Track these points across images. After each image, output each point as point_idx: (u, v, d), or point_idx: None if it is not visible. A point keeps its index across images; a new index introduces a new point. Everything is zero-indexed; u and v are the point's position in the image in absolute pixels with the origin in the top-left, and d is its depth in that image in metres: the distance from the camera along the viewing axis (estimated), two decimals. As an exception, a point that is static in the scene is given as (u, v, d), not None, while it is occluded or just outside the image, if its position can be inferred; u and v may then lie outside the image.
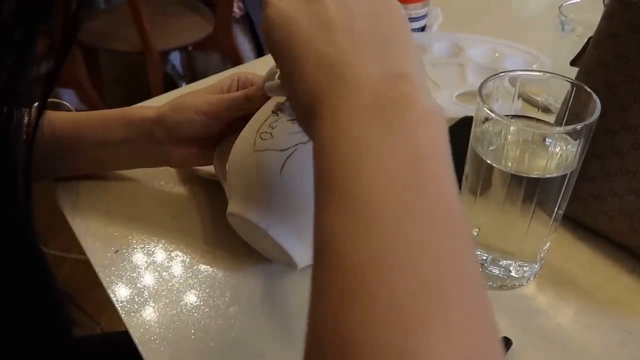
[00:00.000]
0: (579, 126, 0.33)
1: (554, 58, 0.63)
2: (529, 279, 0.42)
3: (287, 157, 0.37)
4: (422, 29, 0.79)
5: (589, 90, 0.34)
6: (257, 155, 0.38)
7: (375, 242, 0.20)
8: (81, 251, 0.47)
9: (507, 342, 0.38)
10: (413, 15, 0.77)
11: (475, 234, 0.41)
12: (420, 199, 0.21)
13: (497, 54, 0.72)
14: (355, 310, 0.19)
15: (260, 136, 0.38)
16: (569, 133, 0.34)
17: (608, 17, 0.38)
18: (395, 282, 0.19)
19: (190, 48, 1.90)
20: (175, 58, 2.23)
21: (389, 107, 0.24)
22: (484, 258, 0.41)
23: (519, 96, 0.42)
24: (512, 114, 0.39)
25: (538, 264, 0.42)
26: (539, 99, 0.55)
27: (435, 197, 0.22)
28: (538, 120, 0.40)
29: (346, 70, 0.26)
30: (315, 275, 0.21)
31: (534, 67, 0.69)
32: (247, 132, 0.40)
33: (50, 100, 0.55)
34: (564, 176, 0.35)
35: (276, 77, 0.38)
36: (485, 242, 0.41)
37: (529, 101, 0.55)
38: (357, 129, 0.23)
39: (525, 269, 0.41)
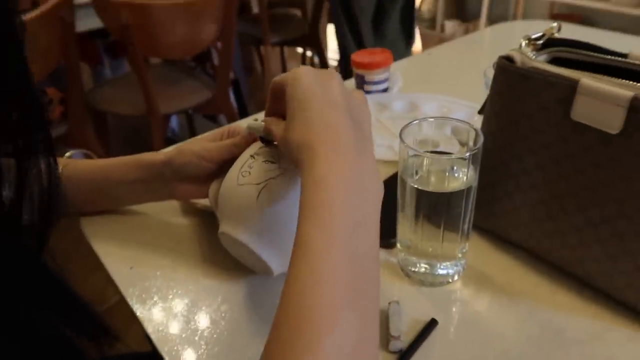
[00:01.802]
0: (467, 154, 0.46)
1: (485, 110, 0.77)
2: (453, 277, 0.54)
3: (261, 189, 0.48)
4: (385, 90, 0.94)
5: (475, 128, 0.48)
6: (239, 188, 0.50)
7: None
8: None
9: (433, 322, 0.49)
10: (376, 80, 0.92)
11: (407, 245, 0.53)
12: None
13: (445, 109, 0.87)
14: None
15: (242, 174, 0.50)
16: (461, 159, 0.48)
17: (495, 79, 0.52)
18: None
19: (190, 111, 2.07)
20: (174, 123, 2.41)
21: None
22: (414, 261, 0.53)
23: (459, 142, 0.56)
24: (430, 149, 0.52)
25: (460, 265, 0.54)
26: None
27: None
28: (451, 154, 0.53)
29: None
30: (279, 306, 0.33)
31: (475, 119, 0.83)
32: (232, 172, 0.52)
33: (67, 155, 0.68)
34: (462, 191, 0.47)
35: (260, 120, 0.51)
36: (414, 250, 0.53)
37: (463, 144, 0.69)
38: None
39: (448, 268, 0.53)
